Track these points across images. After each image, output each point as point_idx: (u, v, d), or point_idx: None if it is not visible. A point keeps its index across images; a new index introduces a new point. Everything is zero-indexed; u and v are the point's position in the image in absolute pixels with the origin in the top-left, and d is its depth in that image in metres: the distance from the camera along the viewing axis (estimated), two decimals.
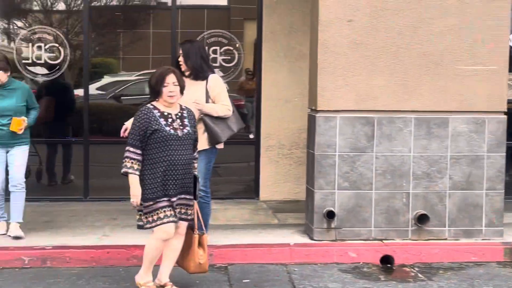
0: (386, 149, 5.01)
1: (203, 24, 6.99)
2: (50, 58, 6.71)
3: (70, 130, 7.02)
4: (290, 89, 6.67)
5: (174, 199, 3.82)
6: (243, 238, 5.21)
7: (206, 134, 4.64)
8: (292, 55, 6.64)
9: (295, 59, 6.62)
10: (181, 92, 3.92)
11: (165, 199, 3.80)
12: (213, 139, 4.65)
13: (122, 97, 7.23)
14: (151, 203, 3.78)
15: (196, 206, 4.00)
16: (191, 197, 3.96)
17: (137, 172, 3.78)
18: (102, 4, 7.07)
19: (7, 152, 5.09)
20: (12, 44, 6.82)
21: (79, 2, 6.79)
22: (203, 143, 4.57)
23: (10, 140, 5.00)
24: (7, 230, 5.08)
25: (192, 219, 3.99)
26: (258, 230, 5.53)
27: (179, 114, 3.95)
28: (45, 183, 6.90)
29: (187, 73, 4.68)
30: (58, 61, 6.69)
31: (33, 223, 5.51)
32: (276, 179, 6.87)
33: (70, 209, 6.37)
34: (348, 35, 4.92)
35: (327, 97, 4.97)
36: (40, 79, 6.76)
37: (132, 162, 3.78)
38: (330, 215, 4.96)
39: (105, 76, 7.19)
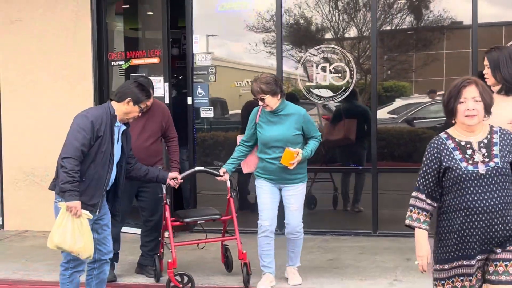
0: None
1: (501, 41, 6.02)
2: (334, 79, 6.25)
3: (361, 157, 6.34)
4: None
5: (473, 261, 2.71)
6: None
7: None
8: None
9: None
10: (487, 110, 2.76)
11: (464, 262, 2.73)
12: None
13: (414, 120, 6.53)
14: (446, 266, 2.78)
15: None
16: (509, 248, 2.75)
17: (424, 226, 2.79)
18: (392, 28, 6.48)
19: (280, 189, 4.34)
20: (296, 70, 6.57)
21: (368, 26, 6.25)
22: None
23: (282, 175, 4.24)
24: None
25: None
26: None
27: (486, 141, 2.77)
28: (332, 213, 6.47)
29: (495, 88, 3.75)
30: (343, 82, 6.17)
31: (316, 261, 5.18)
32: None
33: (357, 245, 5.79)
34: None
35: None
36: (324, 102, 6.33)
37: (418, 213, 2.82)
38: None
39: (396, 100, 6.64)
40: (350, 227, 6.23)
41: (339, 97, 6.13)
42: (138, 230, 5.22)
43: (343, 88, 6.11)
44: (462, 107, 2.71)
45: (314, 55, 6.26)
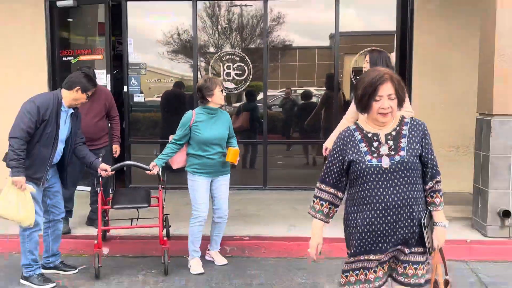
0: None
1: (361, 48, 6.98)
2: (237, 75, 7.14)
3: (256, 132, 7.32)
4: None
5: (381, 256, 2.50)
6: None
7: None
8: None
9: None
10: (400, 105, 2.52)
11: (371, 256, 2.51)
12: None
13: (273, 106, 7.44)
14: (352, 259, 2.55)
15: (436, 258, 2.65)
16: (419, 249, 2.55)
17: (319, 215, 2.60)
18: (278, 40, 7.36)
19: (211, 181, 4.42)
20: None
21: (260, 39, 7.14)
22: None
23: (219, 168, 4.36)
24: None
25: (420, 285, 2.56)
26: None
27: (394, 133, 2.53)
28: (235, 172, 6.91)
29: None
30: (243, 77, 7.12)
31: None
32: None
33: (254, 197, 6.50)
34: None
35: (502, 101, 4.74)
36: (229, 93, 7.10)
37: (320, 204, 2.61)
38: (506, 214, 4.72)
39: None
40: (248, 183, 7.12)
41: (240, 89, 7.15)
42: (88, 188, 5.44)
43: (242, 82, 7.11)
44: (376, 105, 2.44)
45: (222, 57, 7.14)
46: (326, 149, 4.53)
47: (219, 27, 7.32)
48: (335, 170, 2.57)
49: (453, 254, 4.58)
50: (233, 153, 4.23)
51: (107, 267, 4.49)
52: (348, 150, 2.52)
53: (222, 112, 4.44)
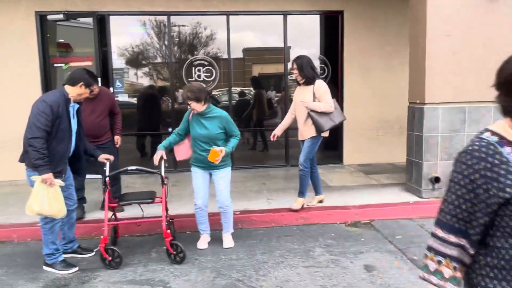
0: (474, 130, 4.74)
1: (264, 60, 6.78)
2: (206, 76, 6.69)
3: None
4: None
5: None
6: (368, 197, 4.90)
7: (313, 125, 4.29)
8: None
9: None
10: None
11: None
12: (318, 129, 4.27)
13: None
14: None
15: None
16: None
17: (452, 285, 1.17)
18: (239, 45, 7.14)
19: (211, 174, 3.90)
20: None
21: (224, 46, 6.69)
22: (311, 132, 4.31)
23: (209, 163, 3.76)
24: None
25: None
26: (371, 190, 5.21)
27: None
28: None
29: (301, 82, 4.37)
30: (211, 78, 6.70)
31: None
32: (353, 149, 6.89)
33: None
34: (446, 47, 4.63)
35: (432, 93, 4.69)
36: None
37: (455, 268, 1.18)
38: (437, 180, 4.72)
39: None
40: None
41: (210, 87, 6.69)
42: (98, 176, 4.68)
43: (211, 82, 6.73)
44: None
45: (193, 62, 6.69)
46: (274, 135, 4.47)
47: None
48: (471, 211, 1.16)
49: (402, 213, 4.62)
50: (212, 153, 3.63)
51: (120, 247, 3.89)
52: (500, 179, 1.11)
53: (219, 112, 3.76)
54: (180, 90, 6.52)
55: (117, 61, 6.52)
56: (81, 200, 4.45)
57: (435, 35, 4.70)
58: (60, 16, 5.87)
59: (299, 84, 4.44)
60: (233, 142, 3.78)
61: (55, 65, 6.21)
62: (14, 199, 5.27)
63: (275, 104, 7.08)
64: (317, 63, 6.81)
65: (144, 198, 3.77)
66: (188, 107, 3.70)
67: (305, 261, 3.59)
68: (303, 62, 4.27)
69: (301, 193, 4.53)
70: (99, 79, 5.89)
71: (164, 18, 6.54)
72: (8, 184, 6.10)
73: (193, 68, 6.73)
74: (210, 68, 6.75)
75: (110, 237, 3.82)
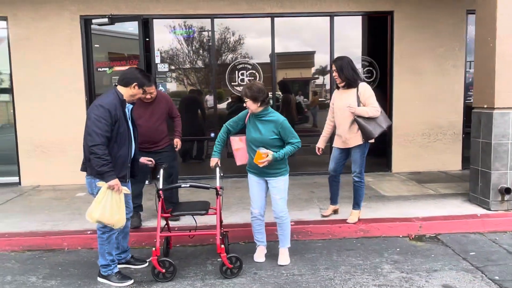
0: None
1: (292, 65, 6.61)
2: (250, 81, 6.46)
3: None
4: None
5: None
6: (429, 209, 4.61)
7: (359, 132, 4.03)
8: None
9: None
10: None
11: None
12: (366, 136, 4.01)
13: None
14: None
15: None
16: None
17: None
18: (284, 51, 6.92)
19: (266, 181, 3.62)
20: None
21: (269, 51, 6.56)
22: (358, 139, 4.06)
23: (262, 170, 3.50)
24: None
25: None
26: (430, 201, 4.92)
27: None
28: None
29: (341, 85, 4.12)
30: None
31: (230, 198, 5.04)
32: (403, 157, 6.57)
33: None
34: None
35: (502, 97, 4.37)
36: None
37: None
38: (508, 191, 4.39)
39: None
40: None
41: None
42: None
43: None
44: None
45: (236, 66, 6.53)
46: (319, 149, 4.33)
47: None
48: None
49: (470, 227, 4.31)
50: (257, 155, 3.40)
51: (172, 258, 3.67)
52: None
53: (276, 116, 3.46)
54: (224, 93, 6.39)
55: (160, 65, 6.41)
56: (138, 207, 4.26)
57: (505, 35, 4.36)
58: (105, 20, 5.80)
59: (338, 88, 4.19)
60: (287, 149, 3.46)
61: (99, 69, 6.16)
62: (59, 204, 5.23)
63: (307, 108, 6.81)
64: (362, 66, 6.57)
65: (198, 209, 3.56)
66: (244, 104, 3.49)
67: (375, 279, 3.31)
68: (343, 63, 4.02)
69: (357, 205, 4.30)
70: (156, 82, 5.70)
71: (208, 21, 6.39)
72: (51, 189, 6.07)
73: (237, 71, 6.56)
74: (254, 71, 6.55)
75: (162, 248, 3.66)
